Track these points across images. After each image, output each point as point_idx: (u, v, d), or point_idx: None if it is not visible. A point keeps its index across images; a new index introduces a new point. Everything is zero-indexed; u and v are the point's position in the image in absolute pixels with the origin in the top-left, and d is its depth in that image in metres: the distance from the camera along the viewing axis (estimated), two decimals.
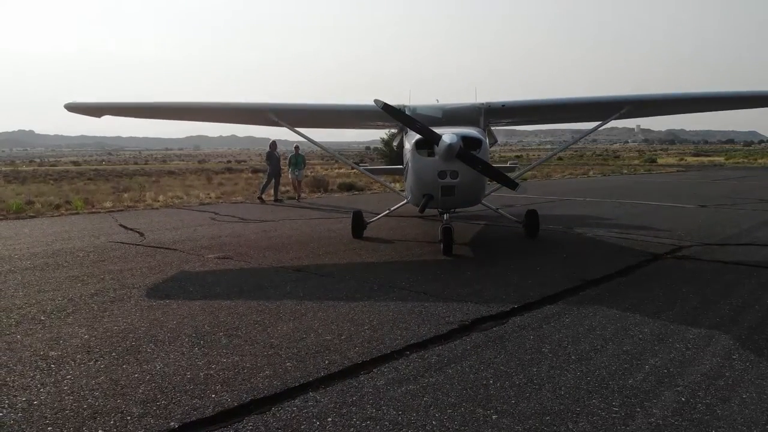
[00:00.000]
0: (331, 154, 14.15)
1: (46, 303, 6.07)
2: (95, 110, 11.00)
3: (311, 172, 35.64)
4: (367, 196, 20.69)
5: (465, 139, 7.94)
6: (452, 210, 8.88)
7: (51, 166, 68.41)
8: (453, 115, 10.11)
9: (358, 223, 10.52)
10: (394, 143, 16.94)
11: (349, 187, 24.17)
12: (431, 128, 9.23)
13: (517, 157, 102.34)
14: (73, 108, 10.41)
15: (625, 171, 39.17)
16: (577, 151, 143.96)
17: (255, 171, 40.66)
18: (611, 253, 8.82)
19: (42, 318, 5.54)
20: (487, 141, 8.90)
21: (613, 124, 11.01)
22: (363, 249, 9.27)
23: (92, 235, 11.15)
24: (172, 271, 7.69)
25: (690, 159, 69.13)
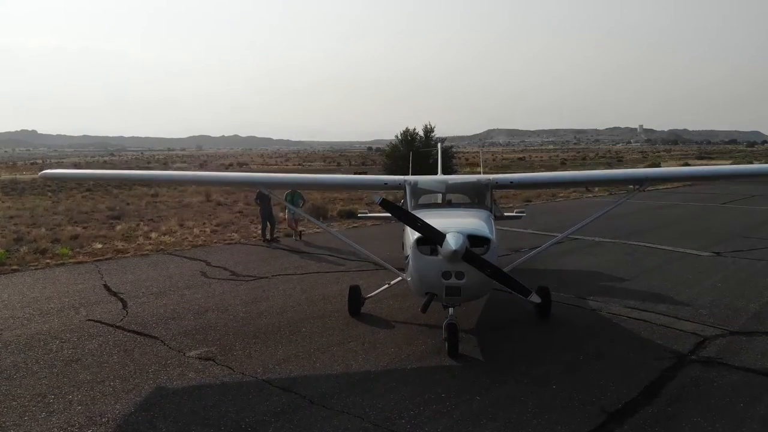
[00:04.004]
0: (318, 224, 13.68)
1: None
2: (72, 179, 10.30)
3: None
4: (368, 230, 19.99)
5: (471, 237, 7.18)
6: (457, 305, 8.09)
7: None
8: (457, 190, 9.41)
9: (355, 300, 9.81)
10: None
11: (349, 215, 23.55)
12: (435, 207, 8.49)
13: (520, 159, 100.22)
14: (49, 177, 9.71)
15: (630, 186, 38.23)
16: (580, 152, 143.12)
17: None
18: (631, 352, 8.05)
19: None
20: (495, 237, 7.95)
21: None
22: (359, 342, 8.48)
23: (72, 307, 10.48)
24: (147, 388, 6.96)
25: (693, 163, 68.34)
